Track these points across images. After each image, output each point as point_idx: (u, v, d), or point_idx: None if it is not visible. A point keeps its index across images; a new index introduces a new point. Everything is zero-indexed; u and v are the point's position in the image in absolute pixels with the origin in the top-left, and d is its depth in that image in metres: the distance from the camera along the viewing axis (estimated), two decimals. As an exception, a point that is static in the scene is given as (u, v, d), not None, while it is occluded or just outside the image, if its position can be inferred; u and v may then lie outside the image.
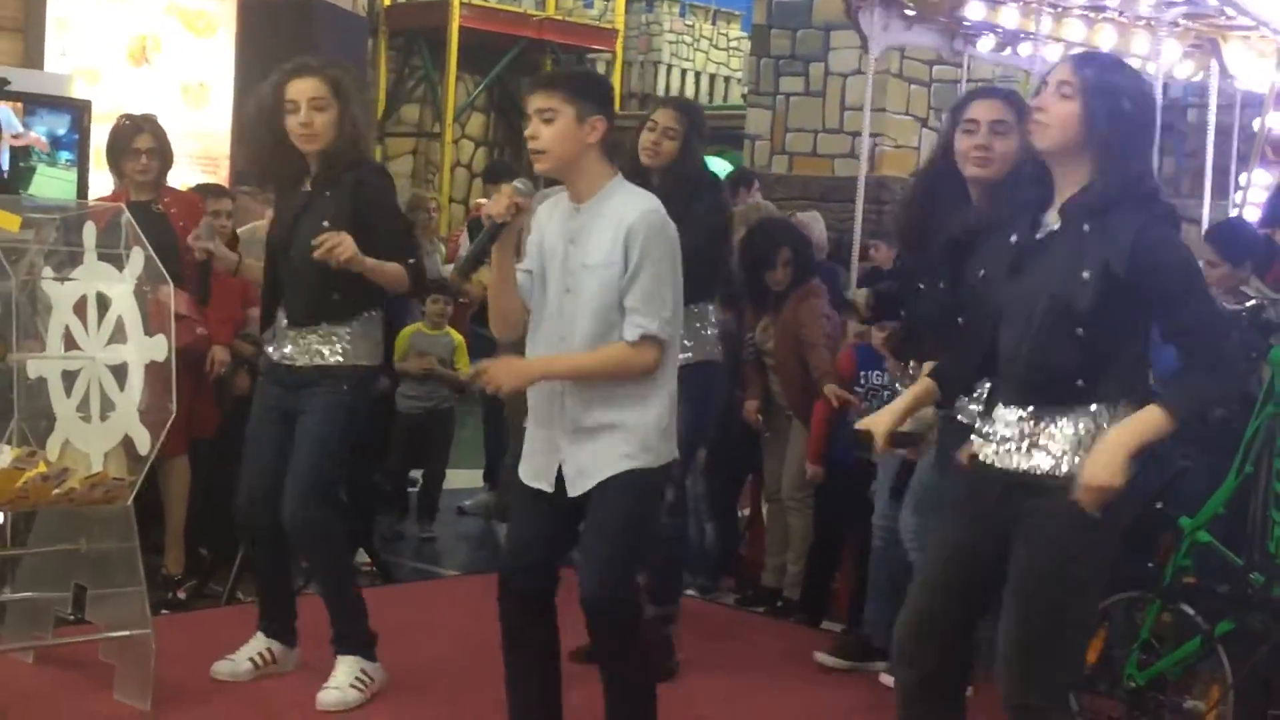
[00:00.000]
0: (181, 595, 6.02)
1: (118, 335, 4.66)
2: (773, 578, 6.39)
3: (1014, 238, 3.28)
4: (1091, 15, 7.51)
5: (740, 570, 6.70)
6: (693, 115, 5.30)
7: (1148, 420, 3.03)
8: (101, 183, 7.06)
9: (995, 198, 3.86)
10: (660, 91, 17.63)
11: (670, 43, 18.09)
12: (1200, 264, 5.25)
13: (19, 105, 7.02)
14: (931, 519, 4.32)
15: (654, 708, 3.90)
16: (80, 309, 4.71)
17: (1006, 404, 3.27)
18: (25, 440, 4.73)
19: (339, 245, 4.37)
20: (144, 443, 4.61)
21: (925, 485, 4.75)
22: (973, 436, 3.38)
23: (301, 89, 4.55)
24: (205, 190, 6.86)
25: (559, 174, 3.91)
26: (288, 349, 4.71)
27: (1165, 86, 7.78)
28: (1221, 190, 7.78)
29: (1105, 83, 3.17)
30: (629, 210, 3.79)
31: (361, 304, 4.68)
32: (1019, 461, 3.22)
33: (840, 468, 5.85)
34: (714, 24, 18.54)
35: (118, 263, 4.68)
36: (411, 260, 4.70)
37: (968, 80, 8.48)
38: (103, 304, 4.67)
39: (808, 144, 11.15)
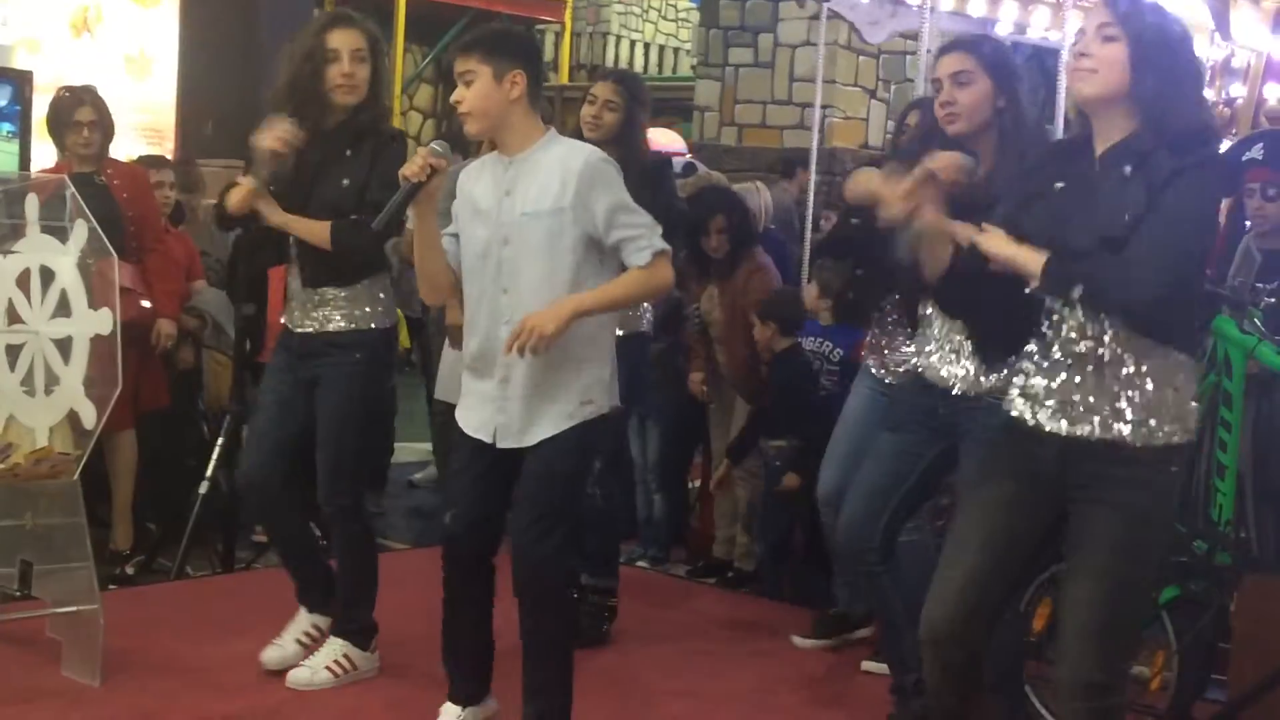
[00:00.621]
0: (130, 570, 6.00)
1: (62, 309, 4.63)
2: (723, 549, 6.41)
3: (1060, 185, 3.19)
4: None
5: (691, 542, 6.72)
6: (632, 87, 5.28)
7: (1030, 256, 3.04)
8: (44, 154, 7.01)
9: (1002, 151, 3.88)
10: (609, 63, 17.61)
11: (619, 14, 18.07)
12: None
13: (-41, 78, 6.98)
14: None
15: (569, 666, 3.93)
16: (23, 282, 4.68)
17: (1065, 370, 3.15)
18: None
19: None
20: (90, 417, 4.60)
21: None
22: (1014, 397, 3.27)
23: (345, 39, 4.44)
24: (148, 161, 6.81)
25: (488, 134, 3.94)
26: (296, 314, 4.61)
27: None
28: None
29: (1149, 22, 3.08)
30: (573, 156, 3.82)
31: (371, 264, 4.58)
32: (1085, 428, 3.11)
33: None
34: (663, -5, 18.55)
35: (61, 235, 4.65)
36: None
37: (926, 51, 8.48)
38: (46, 277, 4.64)
39: (757, 115, 11.16)
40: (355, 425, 4.61)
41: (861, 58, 10.70)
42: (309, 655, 4.60)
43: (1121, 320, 3.02)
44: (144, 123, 7.95)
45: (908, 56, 10.45)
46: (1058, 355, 3.14)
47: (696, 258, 6.22)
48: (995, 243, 3.11)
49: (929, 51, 8.19)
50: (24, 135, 7.35)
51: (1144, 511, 3.07)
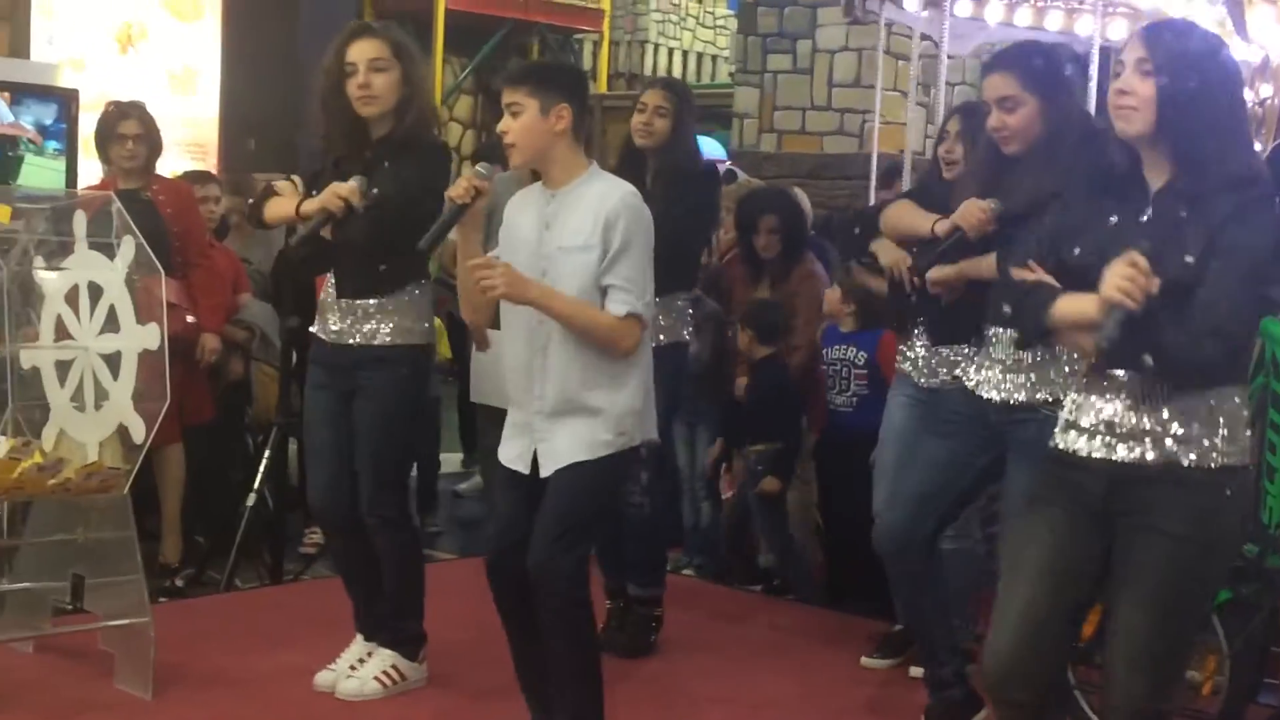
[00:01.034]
0: (179, 583, 6.03)
1: (110, 324, 4.65)
2: (769, 558, 6.39)
3: (1114, 219, 3.07)
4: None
5: (738, 550, 6.70)
6: (681, 93, 5.28)
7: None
8: (90, 171, 7.06)
9: (1046, 163, 3.86)
10: (647, 71, 17.60)
11: (657, 21, 18.05)
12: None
13: (6, 95, 7.03)
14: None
15: (595, 681, 3.91)
16: (72, 298, 4.71)
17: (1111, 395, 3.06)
18: (20, 430, 4.73)
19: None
20: (139, 431, 4.62)
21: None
22: (1060, 429, 3.19)
23: (362, 50, 4.33)
24: (193, 177, 6.85)
25: (531, 165, 3.95)
26: (334, 327, 4.53)
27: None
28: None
29: (1182, 55, 2.96)
30: (609, 196, 3.82)
31: (411, 274, 4.50)
32: (1138, 453, 3.02)
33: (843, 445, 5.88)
34: (700, 2, 18.50)
35: (109, 251, 4.67)
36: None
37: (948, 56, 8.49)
38: (94, 293, 4.66)
39: (796, 122, 11.14)
40: (398, 436, 4.59)
41: (900, 62, 10.65)
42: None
43: (1187, 380, 2.95)
44: (188, 138, 7.99)
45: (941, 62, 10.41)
46: (1102, 381, 3.07)
47: (749, 258, 6.23)
48: (1072, 308, 2.98)
49: (950, 57, 8.21)
50: (70, 153, 7.41)
51: (1196, 537, 2.98)
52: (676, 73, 17.90)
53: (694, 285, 5.48)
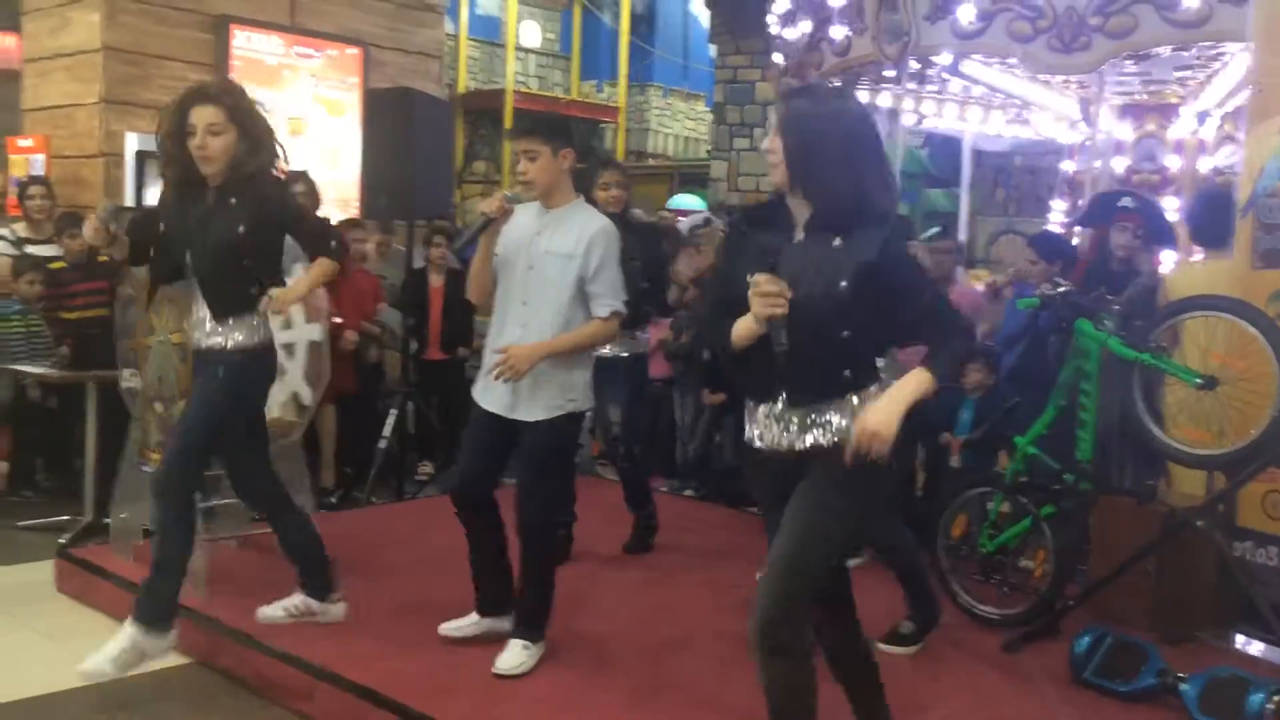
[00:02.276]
0: (334, 500, 6.06)
1: (287, 323, 4.67)
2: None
3: (772, 243, 2.63)
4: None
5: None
6: (625, 170, 5.16)
7: (919, 381, 2.49)
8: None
9: None
10: (650, 148, 17.57)
11: (657, 115, 18.00)
12: (1024, 262, 5.32)
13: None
14: None
15: (546, 586, 3.71)
16: None
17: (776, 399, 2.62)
18: None
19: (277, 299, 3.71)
20: (307, 397, 4.67)
21: None
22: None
23: (200, 115, 3.54)
24: (349, 224, 6.84)
25: (542, 197, 3.66)
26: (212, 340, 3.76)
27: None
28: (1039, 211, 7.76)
29: (796, 116, 2.56)
30: (592, 223, 3.65)
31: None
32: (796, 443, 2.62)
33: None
34: (687, 102, 18.43)
35: (286, 273, 4.66)
36: (334, 243, 3.87)
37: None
38: (277, 302, 4.66)
39: (753, 184, 11.14)
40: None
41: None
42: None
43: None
44: (336, 196, 7.96)
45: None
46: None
47: None
48: (741, 330, 2.57)
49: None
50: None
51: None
52: (670, 151, 17.88)
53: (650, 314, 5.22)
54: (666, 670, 3.72)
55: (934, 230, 6.71)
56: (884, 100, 6.86)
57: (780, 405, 2.62)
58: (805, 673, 2.58)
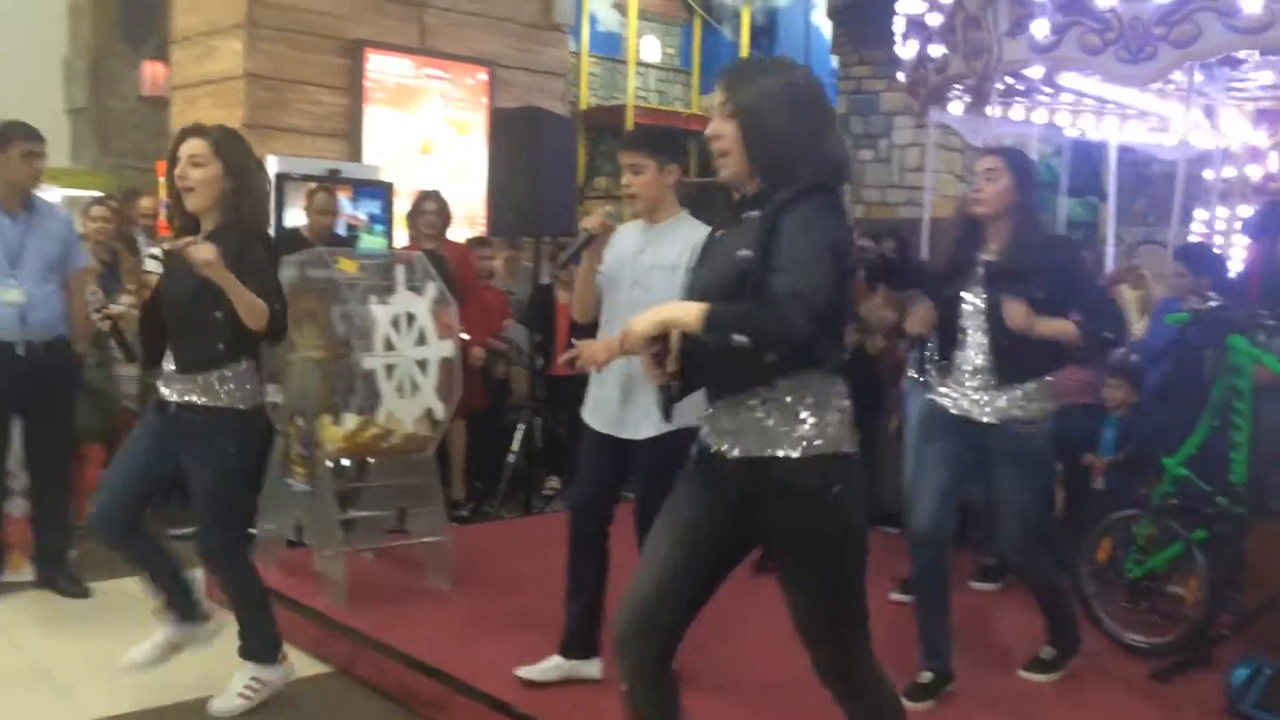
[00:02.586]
0: (464, 514, 6.14)
1: (420, 340, 4.74)
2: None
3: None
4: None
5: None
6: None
7: (687, 309, 2.21)
8: (401, 237, 7.23)
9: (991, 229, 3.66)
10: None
11: (776, 127, 17.88)
12: (1171, 274, 5.11)
13: (349, 190, 7.23)
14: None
15: None
16: (395, 323, 4.77)
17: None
18: (362, 411, 4.79)
19: (200, 247, 3.25)
20: (440, 412, 4.71)
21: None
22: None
23: (186, 147, 3.40)
24: (475, 242, 6.96)
25: (646, 211, 3.57)
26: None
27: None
28: (1183, 220, 7.45)
29: (741, 94, 2.36)
30: (696, 232, 3.49)
31: (242, 351, 3.47)
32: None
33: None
34: (807, 113, 18.27)
35: (418, 291, 4.77)
36: (276, 308, 3.42)
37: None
38: (410, 319, 4.74)
39: (878, 196, 10.98)
40: None
41: (952, 152, 10.44)
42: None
43: (780, 347, 2.20)
44: (464, 214, 8.10)
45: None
46: None
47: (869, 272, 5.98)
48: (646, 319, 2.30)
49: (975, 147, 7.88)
50: (389, 227, 7.59)
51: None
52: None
53: None
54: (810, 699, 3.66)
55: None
56: (1017, 113, 6.73)
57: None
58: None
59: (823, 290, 2.17)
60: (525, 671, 3.60)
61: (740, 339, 2.14)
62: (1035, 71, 5.27)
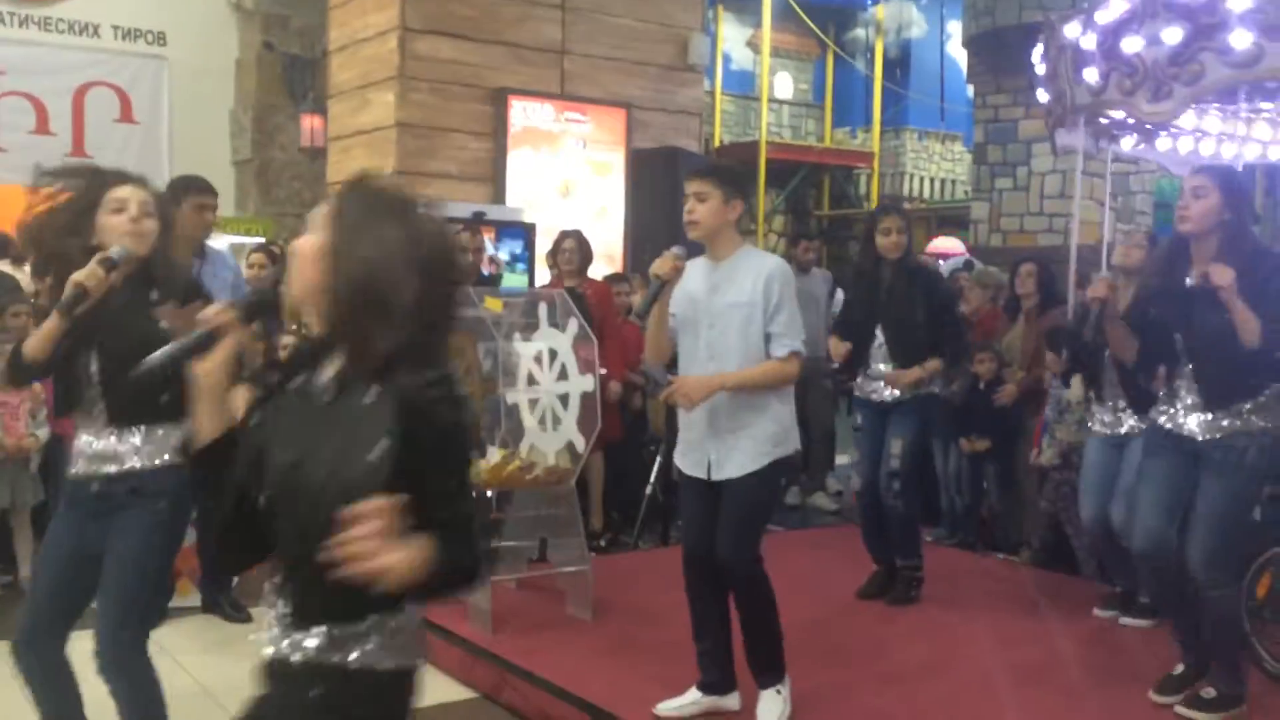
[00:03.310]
0: (602, 544, 6.17)
1: (562, 375, 4.82)
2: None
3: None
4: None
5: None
6: (908, 215, 5.03)
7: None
8: (543, 276, 7.40)
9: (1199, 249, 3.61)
10: (906, 192, 17.24)
11: (912, 158, 17.66)
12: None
13: (492, 231, 7.43)
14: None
15: (773, 629, 3.59)
16: (538, 359, 4.88)
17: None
18: (506, 445, 4.92)
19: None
20: (580, 444, 4.77)
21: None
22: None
23: (131, 193, 2.88)
24: (614, 278, 7.05)
25: (705, 240, 3.55)
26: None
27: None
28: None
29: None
30: (765, 263, 3.53)
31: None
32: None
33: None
34: (943, 144, 18.00)
35: (560, 328, 4.86)
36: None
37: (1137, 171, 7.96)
38: (552, 355, 4.83)
39: (1016, 224, 10.70)
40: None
41: (1095, 179, 10.13)
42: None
43: None
44: (603, 251, 8.20)
45: (1130, 176, 9.83)
46: None
47: (1009, 305, 6.13)
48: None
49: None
50: (530, 266, 7.76)
51: None
52: (925, 193, 17.47)
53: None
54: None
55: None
56: (1163, 143, 6.56)
57: None
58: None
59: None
60: (663, 708, 3.62)
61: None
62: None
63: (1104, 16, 4.78)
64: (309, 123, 10.73)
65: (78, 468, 2.89)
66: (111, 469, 2.85)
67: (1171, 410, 3.68)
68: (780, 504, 4.02)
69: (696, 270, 3.60)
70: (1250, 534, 4.42)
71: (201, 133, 10.66)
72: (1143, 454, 3.91)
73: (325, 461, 1.69)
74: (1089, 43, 4.88)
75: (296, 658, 1.72)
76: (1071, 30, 5.03)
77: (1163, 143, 6.76)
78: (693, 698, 3.64)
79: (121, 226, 2.84)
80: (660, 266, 3.48)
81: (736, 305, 3.49)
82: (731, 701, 3.65)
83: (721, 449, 3.51)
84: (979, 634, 4.57)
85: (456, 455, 1.72)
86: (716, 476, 3.52)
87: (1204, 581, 3.57)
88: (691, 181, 3.55)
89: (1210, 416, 3.58)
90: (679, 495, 6.60)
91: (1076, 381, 4.94)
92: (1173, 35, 4.44)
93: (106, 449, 2.86)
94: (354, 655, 1.69)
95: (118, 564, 2.84)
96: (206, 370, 1.88)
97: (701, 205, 3.49)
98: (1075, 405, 5.35)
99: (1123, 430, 4.51)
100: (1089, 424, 4.72)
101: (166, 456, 2.85)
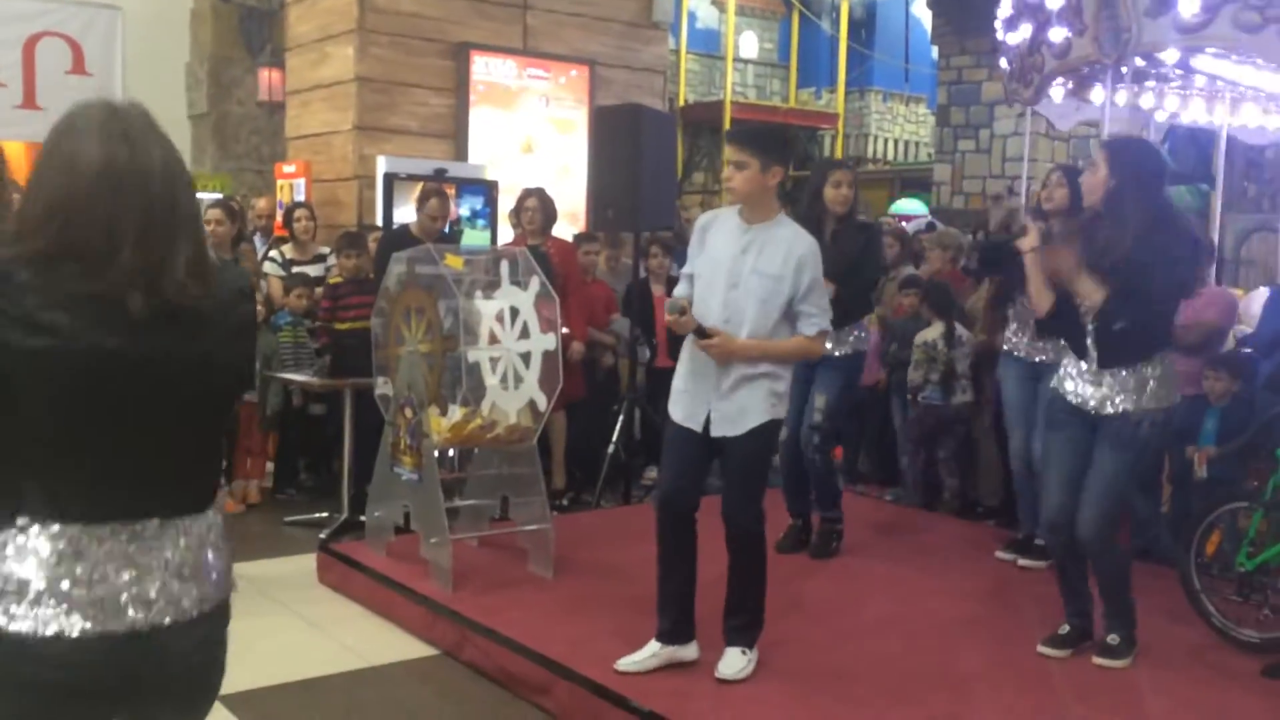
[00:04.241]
0: (564, 503, 6.19)
1: (523, 334, 4.79)
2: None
3: None
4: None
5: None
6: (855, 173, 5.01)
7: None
8: (505, 234, 7.35)
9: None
10: (869, 154, 17.25)
11: (876, 119, 17.66)
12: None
13: (453, 188, 7.36)
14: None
15: (760, 590, 3.65)
16: (499, 317, 4.84)
17: None
18: (467, 403, 4.87)
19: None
20: (542, 403, 4.74)
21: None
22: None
23: None
24: (581, 238, 7.01)
25: (744, 202, 3.58)
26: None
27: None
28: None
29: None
30: (799, 242, 3.56)
31: None
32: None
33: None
34: (907, 105, 18.01)
35: (522, 286, 4.82)
36: None
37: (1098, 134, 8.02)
38: (514, 313, 4.80)
39: (978, 186, 10.76)
40: None
41: (1055, 142, 10.18)
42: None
43: None
44: (565, 210, 8.14)
45: (1090, 139, 9.89)
46: None
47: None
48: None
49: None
50: (492, 224, 7.70)
51: None
52: (889, 155, 17.49)
53: (870, 310, 5.17)
54: (894, 675, 3.64)
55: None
56: (1121, 98, 6.53)
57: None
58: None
59: None
60: (624, 664, 3.64)
61: None
62: (1170, 55, 5.21)
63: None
64: (267, 76, 10.53)
65: None
66: None
67: (1071, 378, 3.72)
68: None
69: (726, 227, 3.60)
70: (1197, 494, 4.53)
71: (156, 86, 10.37)
72: (1045, 425, 3.97)
73: None
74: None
75: None
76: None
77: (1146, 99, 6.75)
78: (651, 650, 3.67)
79: None
80: (681, 329, 3.54)
81: (763, 275, 3.51)
82: (689, 652, 3.68)
83: (725, 407, 3.54)
84: (894, 582, 4.63)
85: None
86: (716, 433, 3.55)
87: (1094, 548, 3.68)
88: (730, 147, 3.54)
89: (1105, 390, 3.63)
90: (655, 447, 6.66)
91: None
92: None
93: None
94: None
95: None
96: None
97: (740, 174, 3.50)
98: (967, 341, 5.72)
99: (1037, 360, 4.63)
100: (1004, 347, 4.79)
101: None
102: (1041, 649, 3.85)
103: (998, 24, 6.16)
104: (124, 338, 1.54)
